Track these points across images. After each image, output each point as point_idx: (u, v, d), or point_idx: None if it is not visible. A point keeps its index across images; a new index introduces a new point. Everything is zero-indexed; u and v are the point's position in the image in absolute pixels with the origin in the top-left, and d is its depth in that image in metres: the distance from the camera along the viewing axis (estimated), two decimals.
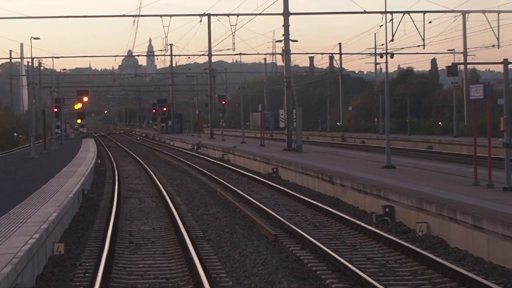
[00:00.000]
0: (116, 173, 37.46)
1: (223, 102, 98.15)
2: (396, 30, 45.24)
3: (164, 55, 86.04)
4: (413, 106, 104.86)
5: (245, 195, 25.95)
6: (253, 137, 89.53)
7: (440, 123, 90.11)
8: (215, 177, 33.97)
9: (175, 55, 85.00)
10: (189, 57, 78.86)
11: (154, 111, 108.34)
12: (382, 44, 54.21)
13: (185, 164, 44.46)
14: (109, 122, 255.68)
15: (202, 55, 74.92)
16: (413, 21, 46.13)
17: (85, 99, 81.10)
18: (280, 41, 44.95)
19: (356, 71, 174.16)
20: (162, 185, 30.44)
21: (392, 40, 44.77)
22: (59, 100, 73.37)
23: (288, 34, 44.40)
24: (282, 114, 44.47)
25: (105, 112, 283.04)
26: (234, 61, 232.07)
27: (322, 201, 23.78)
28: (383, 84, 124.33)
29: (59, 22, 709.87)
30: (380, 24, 52.78)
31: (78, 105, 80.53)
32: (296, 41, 46.09)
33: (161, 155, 55.72)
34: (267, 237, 17.32)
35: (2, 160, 41.84)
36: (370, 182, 22.10)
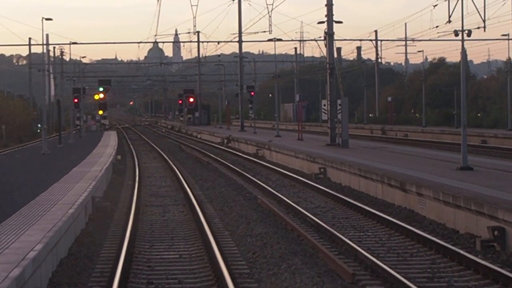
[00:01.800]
0: (137, 172, 32.63)
1: (252, 93, 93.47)
2: (453, 11, 39.87)
3: (191, 41, 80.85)
4: (445, 97, 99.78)
5: (293, 203, 20.95)
6: (284, 129, 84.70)
7: (478, 114, 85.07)
8: (252, 177, 28.99)
9: (202, 42, 79.85)
10: (218, 43, 73.46)
11: (180, 102, 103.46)
12: (437, 26, 48.78)
13: (216, 161, 39.53)
14: (134, 113, 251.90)
15: (232, 41, 69.82)
16: (473, 1, 40.77)
17: (108, 88, 76.42)
18: (323, 22, 39.81)
19: (383, 62, 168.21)
20: (190, 188, 25.54)
21: (449, 21, 39.43)
22: (78, 90, 68.86)
23: (332, 15, 39.28)
24: (324, 105, 39.14)
25: (131, 103, 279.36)
26: (261, 52, 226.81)
27: (392, 214, 18.74)
28: (415, 74, 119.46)
29: (83, 13, 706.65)
30: (435, 4, 47.31)
31: (100, 96, 75.87)
32: (340, 22, 40.92)
33: (188, 149, 50.85)
34: (341, 276, 12.31)
35: (9, 157, 37.12)
36: (462, 193, 16.98)
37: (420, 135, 59.69)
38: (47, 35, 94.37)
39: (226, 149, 49.63)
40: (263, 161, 38.15)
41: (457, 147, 43.15)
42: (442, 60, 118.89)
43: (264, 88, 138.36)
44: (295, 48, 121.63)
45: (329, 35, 39.45)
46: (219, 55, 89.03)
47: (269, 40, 57.09)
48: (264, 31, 56.49)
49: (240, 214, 19.14)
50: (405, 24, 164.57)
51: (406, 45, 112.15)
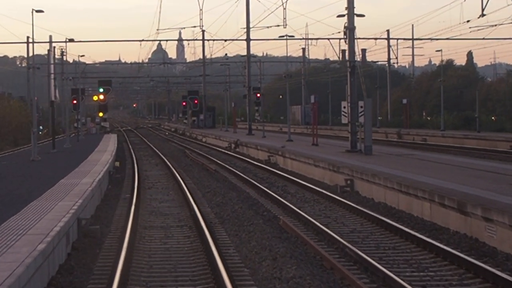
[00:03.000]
0: (136, 181, 28.83)
1: (258, 95, 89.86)
2: (486, 4, 35.95)
3: (195, 39, 76.69)
4: (454, 100, 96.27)
5: (322, 227, 17.14)
6: (293, 132, 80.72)
7: (493, 118, 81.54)
8: (267, 190, 25.18)
9: (208, 40, 76.00)
10: (225, 41, 69.59)
11: (184, 103, 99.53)
12: (468, 21, 44.79)
13: (224, 169, 35.72)
14: (137, 115, 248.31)
15: (238, 39, 65.97)
16: None
17: (108, 89, 72.58)
18: (342, 15, 35.99)
19: (397, 64, 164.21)
20: (196, 203, 21.73)
21: (483, 15, 35.53)
22: (77, 91, 65.16)
23: (353, 7, 35.52)
24: (344, 107, 35.33)
25: (134, 105, 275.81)
26: (265, 54, 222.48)
27: (452, 244, 14.94)
28: (422, 76, 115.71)
29: (84, 14, 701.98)
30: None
31: (100, 97, 72.06)
32: (362, 15, 37.09)
33: (193, 155, 47.04)
34: None
35: None
36: None
37: (440, 140, 55.79)
38: (50, 36, 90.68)
39: (234, 154, 45.81)
40: (277, 169, 34.33)
41: (488, 154, 39.38)
42: (450, 62, 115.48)
43: (269, 90, 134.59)
44: (303, 49, 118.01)
45: (349, 30, 35.66)
46: (225, 54, 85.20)
47: (280, 37, 53.29)
48: (278, 25, 52.54)
49: (262, 243, 15.29)
50: (412, 25, 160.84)
51: (413, 46, 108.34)
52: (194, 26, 64.51)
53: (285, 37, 52.73)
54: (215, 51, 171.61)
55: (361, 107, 35.26)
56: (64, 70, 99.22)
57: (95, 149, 43.00)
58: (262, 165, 36.40)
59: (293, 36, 53.61)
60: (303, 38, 60.04)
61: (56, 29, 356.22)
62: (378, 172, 23.42)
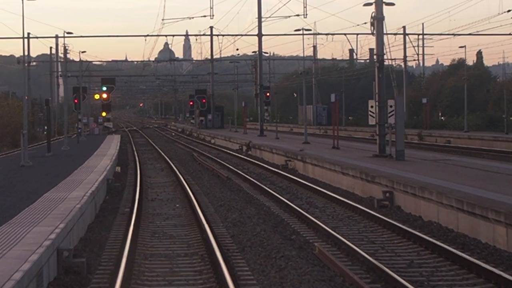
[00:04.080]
0: (138, 191, 25.05)
1: (268, 94, 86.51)
2: None
3: (204, 34, 72.83)
4: (467, 99, 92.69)
5: (371, 259, 13.33)
6: (303, 133, 76.87)
7: None
8: (290, 203, 21.38)
9: (217, 35, 72.21)
10: (235, 36, 65.84)
11: (191, 103, 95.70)
12: (509, 11, 40.82)
13: (237, 175, 31.94)
14: (144, 115, 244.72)
15: (248, 35, 62.21)
16: None
17: (112, 88, 68.82)
18: (370, 4, 32.16)
19: (419, 62, 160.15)
20: (208, 221, 17.93)
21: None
22: (78, 89, 61.47)
23: None
24: (371, 107, 31.50)
25: (140, 105, 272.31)
26: (272, 53, 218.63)
27: None
28: (433, 76, 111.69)
29: (89, 15, 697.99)
30: None
31: (103, 96, 68.33)
32: (392, 4, 33.30)
33: (201, 158, 43.25)
34: None
35: None
36: None
37: (467, 142, 51.85)
38: (56, 35, 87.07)
39: (246, 158, 41.96)
40: (296, 176, 30.53)
41: None
42: (461, 62, 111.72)
43: (277, 89, 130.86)
44: (314, 47, 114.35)
45: (378, 20, 31.86)
46: (237, 49, 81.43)
47: (296, 31, 49.35)
48: (297, 15, 48.44)
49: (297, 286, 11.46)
50: (422, 24, 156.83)
51: (424, 45, 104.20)
52: (204, 16, 60.38)
53: (301, 32, 48.65)
54: (224, 47, 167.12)
55: (391, 106, 31.54)
56: (68, 68, 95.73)
57: (95, 152, 39.24)
58: (279, 171, 32.58)
59: (310, 30, 49.65)
60: (321, 33, 55.94)
61: (61, 28, 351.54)
62: (425, 184, 19.58)
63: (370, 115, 32.28)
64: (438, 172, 23.31)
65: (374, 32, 31.99)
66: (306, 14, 45.81)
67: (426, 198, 18.39)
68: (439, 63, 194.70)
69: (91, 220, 19.23)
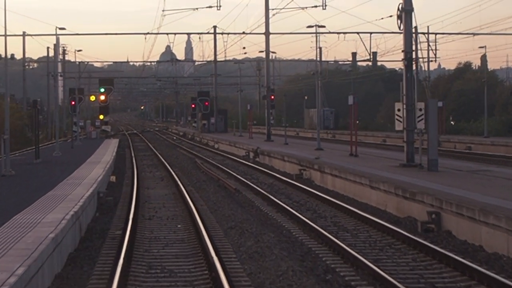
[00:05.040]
0: (133, 207, 21.42)
1: (272, 97, 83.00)
2: None
3: (208, 33, 69.08)
4: (472, 103, 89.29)
5: None
6: (310, 138, 73.34)
7: None
8: (314, 225, 17.75)
9: (222, 33, 68.53)
10: (243, 33, 62.21)
11: (193, 106, 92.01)
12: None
13: (246, 187, 28.30)
14: (145, 118, 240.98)
15: (254, 33, 58.59)
16: None
17: (110, 89, 65.11)
18: None
19: (397, 68, 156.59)
20: (218, 253, 14.30)
21: None
22: (73, 91, 57.89)
23: None
24: (398, 110, 27.86)
25: (142, 107, 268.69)
26: (274, 57, 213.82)
27: None
28: (439, 79, 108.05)
29: (88, 17, 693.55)
30: None
31: (101, 97, 64.66)
32: None
33: (205, 165, 39.61)
34: None
35: None
36: None
37: (490, 149, 48.13)
38: (57, 37, 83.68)
39: (254, 166, 38.32)
40: (313, 187, 26.90)
41: None
42: (468, 65, 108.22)
43: (280, 92, 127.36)
44: (320, 48, 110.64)
45: (406, 12, 28.23)
46: (244, 48, 77.79)
47: (309, 27, 45.66)
48: (315, 6, 44.55)
49: None
50: (428, 27, 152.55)
51: (428, 48, 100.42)
52: (210, 6, 56.57)
53: (314, 30, 44.89)
54: (229, 45, 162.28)
55: (420, 109, 27.94)
56: (67, 70, 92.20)
57: (88, 159, 35.56)
58: (293, 182, 28.94)
59: (324, 27, 45.86)
60: (334, 32, 52.34)
61: (62, 32, 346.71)
62: (485, 204, 15.93)
63: (397, 120, 28.63)
64: (488, 188, 19.67)
65: (402, 26, 28.42)
66: (326, 5, 42.05)
67: (490, 224, 14.73)
68: (441, 67, 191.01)
69: (74, 246, 15.63)
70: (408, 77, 28.17)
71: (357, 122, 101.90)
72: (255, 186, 27.64)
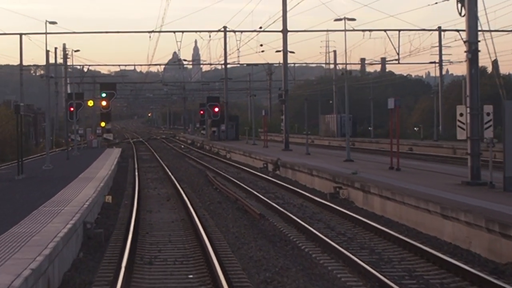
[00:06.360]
0: (128, 243, 16.03)
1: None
2: None
3: (218, 30, 63.73)
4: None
5: None
6: (327, 146, 67.93)
7: None
8: (382, 278, 12.34)
9: (229, 31, 63.14)
10: (258, 29, 56.90)
11: (202, 112, 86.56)
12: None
13: (273, 211, 22.84)
14: (152, 125, 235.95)
15: (270, 31, 53.31)
16: None
17: (112, 94, 59.73)
18: None
19: (405, 74, 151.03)
20: None
21: None
22: (72, 96, 52.63)
23: None
24: (461, 114, 22.29)
25: (149, 114, 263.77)
26: (280, 63, 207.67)
27: None
28: (452, 85, 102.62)
29: (90, 23, 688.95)
30: None
31: (102, 103, 59.32)
32: None
33: (218, 180, 34.19)
34: None
35: None
36: None
37: None
38: (63, 45, 78.66)
39: (275, 181, 32.86)
40: (357, 212, 21.44)
41: None
42: (483, 70, 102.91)
43: (290, 98, 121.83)
44: (334, 51, 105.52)
45: None
46: (261, 45, 72.37)
47: (336, 20, 40.24)
48: None
49: None
50: (439, 28, 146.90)
51: (440, 53, 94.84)
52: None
53: (342, 20, 39.34)
54: (242, 45, 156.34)
55: (488, 114, 22.58)
56: (70, 75, 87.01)
57: (81, 174, 30.12)
58: (328, 203, 23.48)
59: (354, 20, 40.45)
60: (357, 30, 47.02)
61: (64, 38, 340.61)
62: None
63: (459, 127, 23.19)
64: None
65: (464, 11, 22.99)
66: None
67: None
68: (449, 73, 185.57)
69: None
70: (473, 74, 22.81)
71: (375, 129, 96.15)
72: (283, 210, 22.19)
